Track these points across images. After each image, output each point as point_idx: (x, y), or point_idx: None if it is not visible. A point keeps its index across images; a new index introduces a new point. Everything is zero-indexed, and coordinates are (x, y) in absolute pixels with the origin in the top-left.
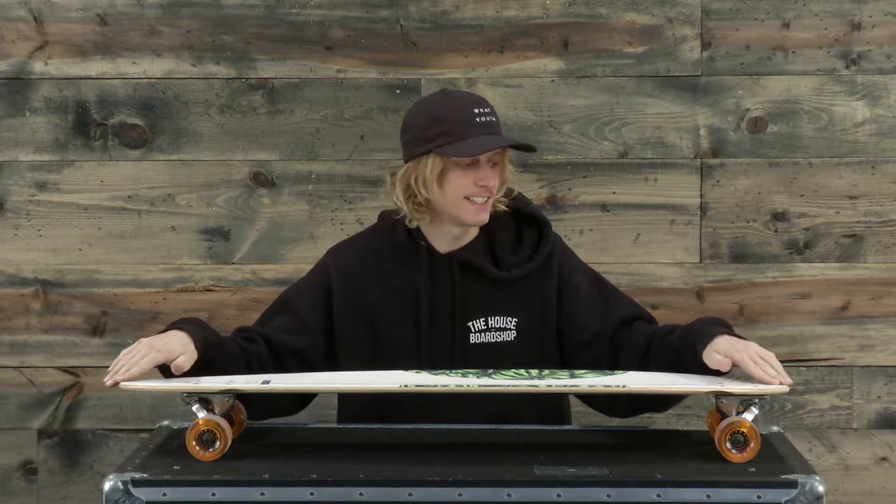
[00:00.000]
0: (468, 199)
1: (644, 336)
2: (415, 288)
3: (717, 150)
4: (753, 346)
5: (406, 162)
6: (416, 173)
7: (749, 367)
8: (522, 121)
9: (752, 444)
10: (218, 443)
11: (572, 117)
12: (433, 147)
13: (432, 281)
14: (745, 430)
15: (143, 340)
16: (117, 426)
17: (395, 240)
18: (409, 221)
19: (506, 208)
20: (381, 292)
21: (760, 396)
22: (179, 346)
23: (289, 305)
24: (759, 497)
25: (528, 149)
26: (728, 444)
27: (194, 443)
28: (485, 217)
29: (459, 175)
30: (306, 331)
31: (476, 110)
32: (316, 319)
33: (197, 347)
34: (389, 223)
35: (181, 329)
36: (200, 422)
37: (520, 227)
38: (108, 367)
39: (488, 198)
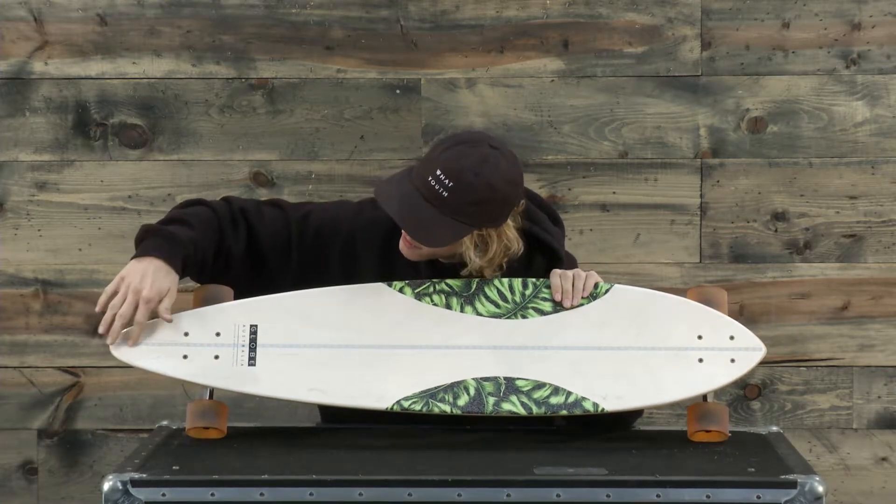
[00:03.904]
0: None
1: None
2: None
3: (717, 150)
4: (576, 270)
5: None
6: None
7: (553, 277)
8: (522, 121)
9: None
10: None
11: (572, 117)
12: None
13: None
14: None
15: (127, 285)
16: (117, 426)
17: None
18: None
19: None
20: (380, 274)
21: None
22: (166, 282)
23: (306, 213)
24: (758, 497)
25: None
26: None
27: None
28: (409, 255)
29: None
30: (289, 244)
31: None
32: (310, 244)
33: (177, 270)
34: None
35: (156, 256)
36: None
37: (532, 252)
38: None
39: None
